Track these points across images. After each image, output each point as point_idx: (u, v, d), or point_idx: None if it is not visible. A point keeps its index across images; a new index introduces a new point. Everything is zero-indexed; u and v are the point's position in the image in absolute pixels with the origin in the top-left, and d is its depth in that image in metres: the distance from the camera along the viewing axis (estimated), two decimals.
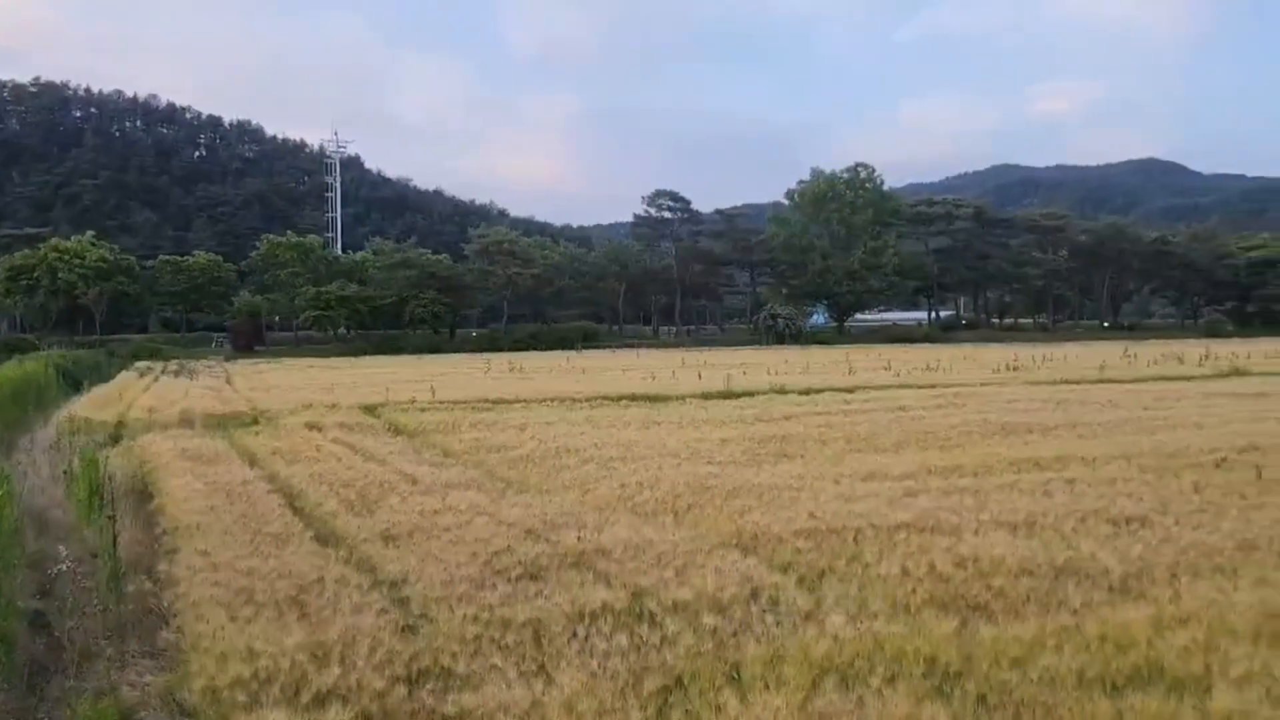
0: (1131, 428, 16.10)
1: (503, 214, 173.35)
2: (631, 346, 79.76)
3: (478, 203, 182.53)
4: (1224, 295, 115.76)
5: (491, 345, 78.33)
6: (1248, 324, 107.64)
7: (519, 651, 5.71)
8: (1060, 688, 5.00)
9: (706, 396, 23.65)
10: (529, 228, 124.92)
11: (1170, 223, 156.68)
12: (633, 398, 23.57)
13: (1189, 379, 28.98)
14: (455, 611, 6.28)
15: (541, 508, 9.78)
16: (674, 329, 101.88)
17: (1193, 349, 51.06)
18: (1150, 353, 48.35)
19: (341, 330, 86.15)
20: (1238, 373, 31.34)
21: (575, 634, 5.91)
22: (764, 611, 6.26)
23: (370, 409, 21.42)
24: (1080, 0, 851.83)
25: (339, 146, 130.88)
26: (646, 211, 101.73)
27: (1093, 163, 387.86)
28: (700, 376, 31.34)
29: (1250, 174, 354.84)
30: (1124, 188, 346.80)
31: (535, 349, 74.70)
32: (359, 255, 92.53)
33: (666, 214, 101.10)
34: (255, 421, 20.21)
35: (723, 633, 5.89)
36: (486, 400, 22.94)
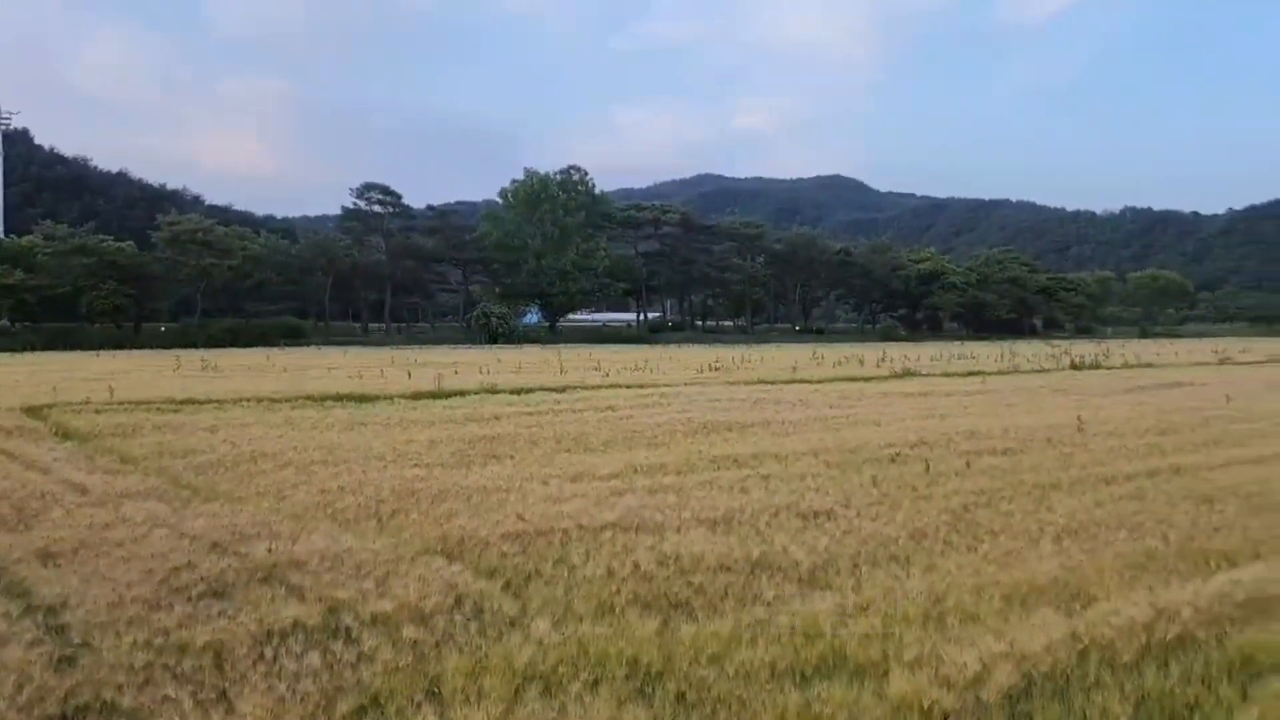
0: (819, 425, 17.18)
1: (197, 200, 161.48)
2: (339, 344, 76.80)
3: (169, 188, 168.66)
4: (898, 303, 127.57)
5: (183, 341, 72.77)
6: (917, 329, 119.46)
7: (197, 679, 5.19)
8: (754, 681, 5.16)
9: (416, 396, 23.06)
10: (227, 216, 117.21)
11: (853, 235, 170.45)
12: (338, 398, 22.58)
13: (868, 380, 31.45)
14: (123, 637, 5.66)
15: (231, 518, 9.08)
16: (384, 327, 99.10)
17: (871, 352, 55.70)
18: (835, 355, 52.21)
19: (4, 322, 77.14)
20: (909, 374, 34.36)
21: (262, 655, 5.47)
22: (468, 620, 6.09)
23: (34, 410, 19.19)
24: (779, 22, 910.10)
25: (2, 118, 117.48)
26: (355, 204, 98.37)
27: (786, 176, 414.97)
28: (410, 376, 30.53)
29: (919, 193, 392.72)
30: (813, 201, 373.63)
31: (233, 346, 70.22)
32: (25, 240, 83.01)
33: (377, 208, 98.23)
34: None
35: (424, 645, 5.66)
36: (174, 400, 21.14)
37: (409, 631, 5.83)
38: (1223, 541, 8.24)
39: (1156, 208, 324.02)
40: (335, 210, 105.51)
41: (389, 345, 75.15)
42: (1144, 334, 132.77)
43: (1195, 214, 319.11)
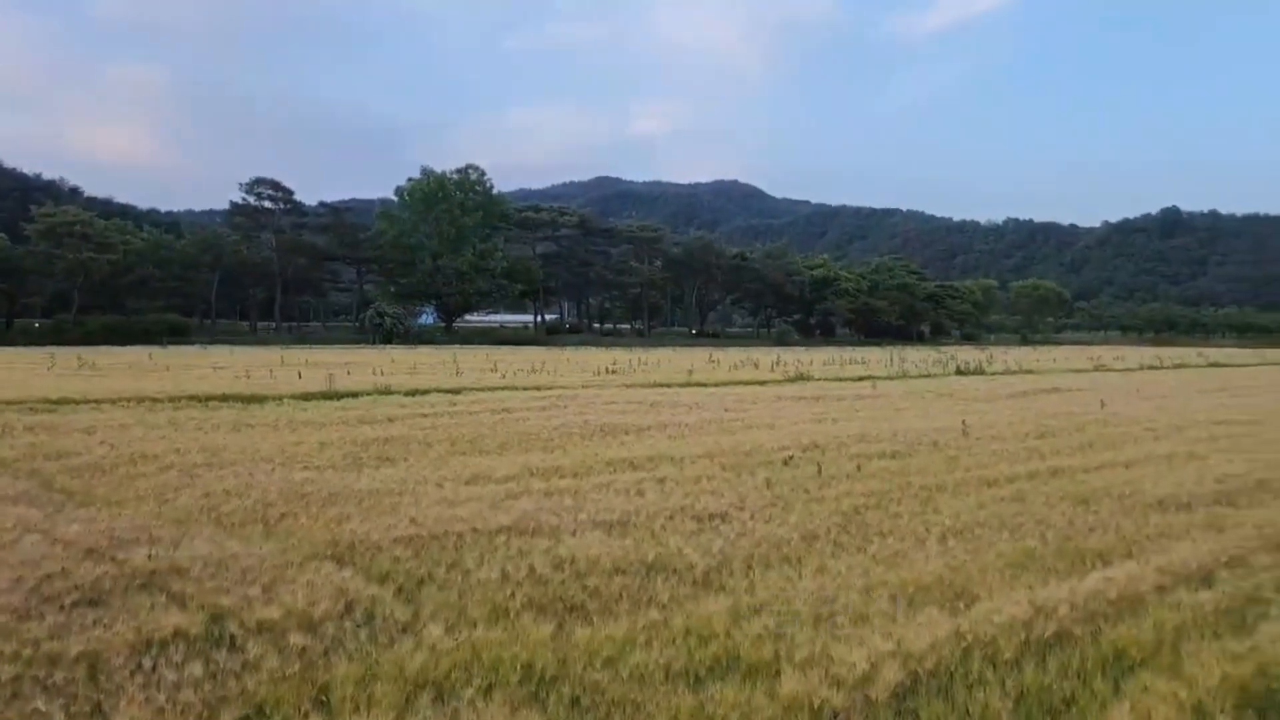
0: (714, 428, 17.35)
1: (75, 192, 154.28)
2: (226, 343, 74.53)
3: (45, 178, 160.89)
4: (792, 308, 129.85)
5: (58, 338, 69.67)
6: (811, 334, 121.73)
7: (69, 691, 4.96)
8: (649, 684, 5.17)
9: (307, 397, 22.52)
10: (108, 209, 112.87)
11: (749, 240, 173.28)
12: (224, 398, 21.90)
13: (763, 383, 31.92)
14: None
15: (108, 523, 8.71)
16: (274, 326, 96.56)
17: (766, 356, 56.59)
18: (731, 358, 52.84)
19: None
20: (802, 378, 34.98)
21: (140, 666, 5.26)
22: (358, 627, 5.96)
23: None
24: (676, 29, 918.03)
25: None
26: (245, 200, 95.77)
27: (684, 180, 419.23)
28: (300, 376, 29.81)
29: (814, 200, 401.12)
30: (710, 206, 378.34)
31: (112, 343, 67.49)
32: None
33: (267, 204, 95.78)
34: None
35: (312, 652, 5.52)
36: (48, 400, 20.21)
37: (296, 639, 5.68)
38: (1097, 541, 8.58)
39: (1038, 219, 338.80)
40: (223, 205, 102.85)
41: (279, 344, 73.17)
42: (1025, 341, 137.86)
43: (1073, 226, 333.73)
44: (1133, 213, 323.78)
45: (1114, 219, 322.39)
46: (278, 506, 9.60)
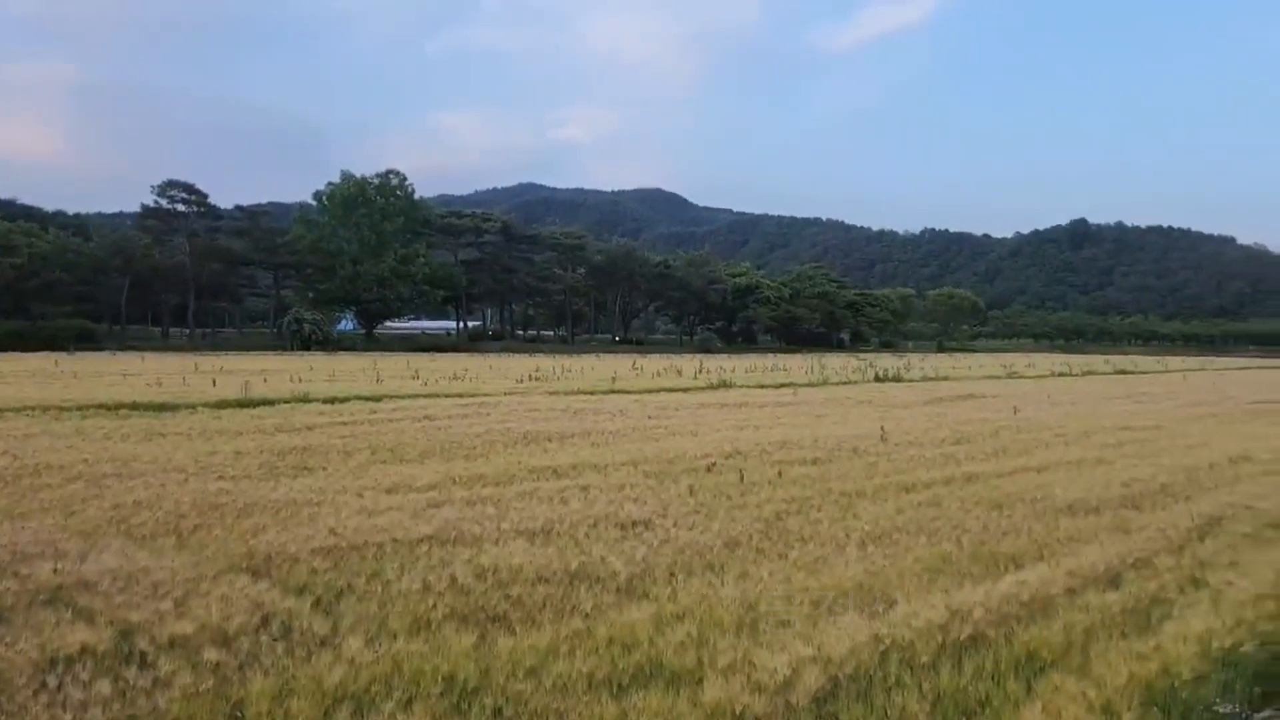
0: (638, 436, 17.39)
1: None
2: (137, 349, 72.35)
3: None
4: (715, 315, 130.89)
5: None
6: (733, 341, 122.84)
7: None
8: (572, 694, 5.16)
9: (222, 405, 22.00)
10: (10, 211, 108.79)
11: (672, 248, 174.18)
12: (134, 406, 21.29)
13: (686, 390, 32.09)
14: None
15: (11, 536, 8.41)
16: (188, 332, 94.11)
17: (689, 363, 56.91)
18: (654, 366, 53.01)
19: None
20: (725, 385, 35.23)
21: (45, 684, 5.08)
22: (275, 640, 5.83)
23: None
24: (601, 37, 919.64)
25: None
26: (157, 202, 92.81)
27: (608, 188, 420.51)
28: (215, 383, 29.09)
29: (736, 209, 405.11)
30: (634, 213, 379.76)
31: (15, 350, 65.06)
32: None
33: (180, 207, 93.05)
34: None
35: (227, 668, 5.39)
36: None
37: (210, 654, 5.53)
38: (1010, 544, 8.80)
39: (953, 229, 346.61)
40: (134, 208, 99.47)
41: (192, 351, 71.27)
42: (941, 348, 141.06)
43: (987, 236, 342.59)
44: (1043, 224, 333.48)
45: (1025, 230, 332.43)
46: (191, 518, 9.36)
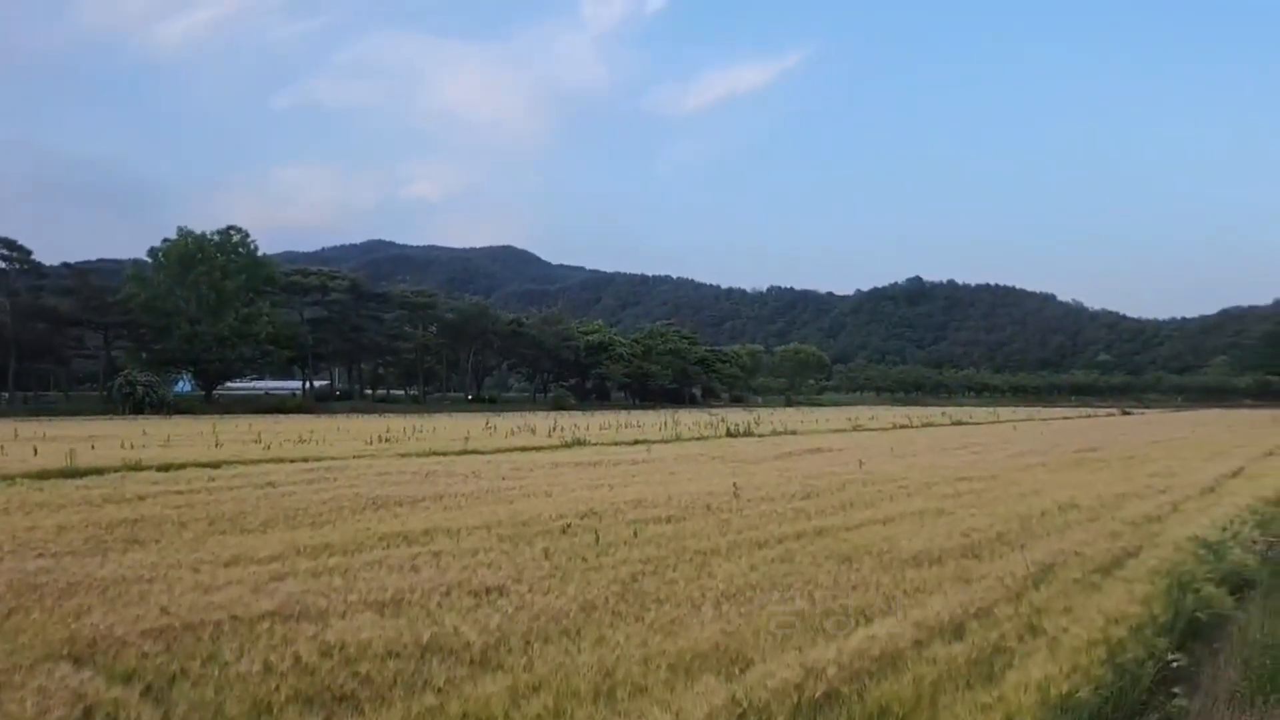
0: (492, 498, 17.11)
1: None
2: None
3: None
4: (568, 372, 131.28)
5: None
6: (587, 398, 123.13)
7: None
8: None
9: (43, 475, 20.59)
10: None
11: (525, 305, 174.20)
12: None
13: (540, 449, 31.88)
14: None
15: None
16: (7, 396, 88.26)
17: (543, 421, 56.64)
18: (508, 424, 52.54)
19: None
20: (579, 443, 35.18)
21: None
22: None
23: None
24: (450, 95, 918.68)
25: None
26: None
27: (459, 245, 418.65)
28: (36, 452, 27.26)
29: (589, 266, 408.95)
30: (486, 271, 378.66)
31: None
32: None
33: (1, 264, 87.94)
34: None
35: None
36: None
37: None
38: (860, 598, 8.99)
39: (798, 287, 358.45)
40: None
41: (12, 417, 66.77)
42: (789, 402, 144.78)
43: (830, 294, 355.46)
44: (882, 281, 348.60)
45: (866, 287, 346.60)
46: (6, 600, 8.65)
